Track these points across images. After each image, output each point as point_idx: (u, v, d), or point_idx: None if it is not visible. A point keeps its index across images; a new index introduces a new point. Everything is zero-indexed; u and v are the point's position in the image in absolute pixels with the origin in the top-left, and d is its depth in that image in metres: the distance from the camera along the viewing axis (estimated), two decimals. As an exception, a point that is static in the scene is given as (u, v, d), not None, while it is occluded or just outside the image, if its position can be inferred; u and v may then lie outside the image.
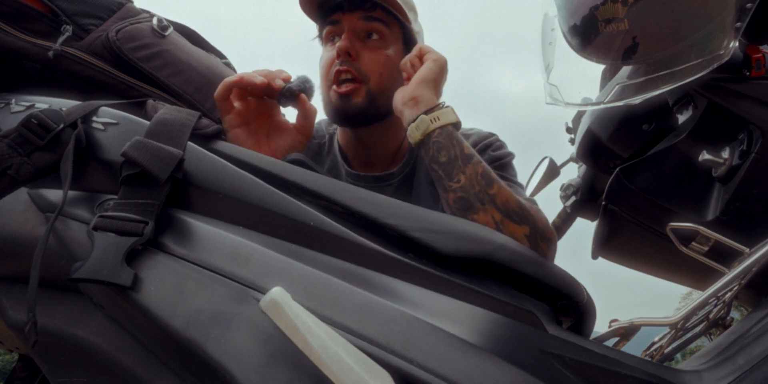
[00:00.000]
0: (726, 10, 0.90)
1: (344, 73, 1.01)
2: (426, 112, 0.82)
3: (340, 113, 1.03)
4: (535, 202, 0.85)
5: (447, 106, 0.83)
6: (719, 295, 0.80)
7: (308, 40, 1.14)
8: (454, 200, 0.77)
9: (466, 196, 0.77)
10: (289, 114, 0.91)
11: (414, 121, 0.83)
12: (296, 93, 0.84)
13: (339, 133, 1.15)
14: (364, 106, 1.02)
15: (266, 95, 0.85)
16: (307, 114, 0.88)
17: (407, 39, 1.09)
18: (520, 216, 0.76)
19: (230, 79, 0.81)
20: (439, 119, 0.81)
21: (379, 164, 1.13)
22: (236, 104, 0.84)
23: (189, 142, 0.65)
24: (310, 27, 1.11)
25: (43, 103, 0.69)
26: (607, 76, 1.17)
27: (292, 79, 0.85)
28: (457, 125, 0.83)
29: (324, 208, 0.65)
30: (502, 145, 1.07)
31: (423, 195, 1.10)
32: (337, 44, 1.01)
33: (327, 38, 1.07)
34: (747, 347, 0.64)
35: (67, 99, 0.71)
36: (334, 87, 1.02)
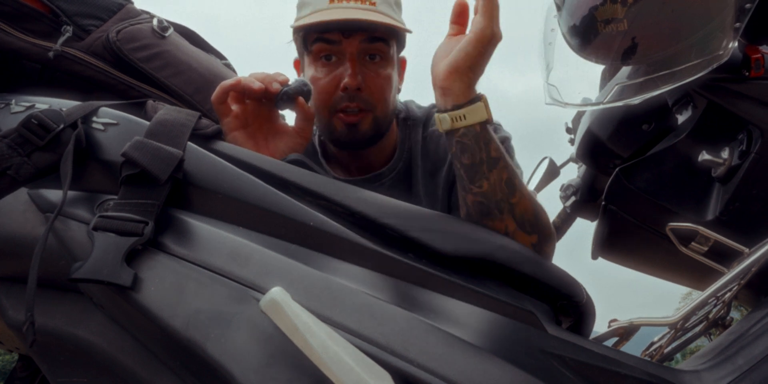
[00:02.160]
0: (725, 10, 0.90)
1: (353, 108, 0.99)
2: (453, 108, 0.73)
3: (347, 141, 1.02)
4: (535, 195, 0.84)
5: (478, 101, 0.73)
6: (719, 295, 0.80)
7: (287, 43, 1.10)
8: (473, 203, 0.74)
9: (486, 203, 0.73)
10: (288, 117, 0.91)
11: (441, 112, 0.75)
12: (293, 97, 0.83)
13: (328, 144, 1.12)
14: (371, 134, 1.02)
15: (264, 99, 0.84)
16: (305, 117, 0.87)
17: (400, 44, 1.07)
18: (533, 225, 0.74)
19: (227, 82, 0.80)
20: (464, 118, 0.72)
21: (373, 166, 1.11)
22: (234, 107, 0.83)
23: (189, 143, 0.65)
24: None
25: (43, 103, 0.69)
26: (606, 76, 1.17)
27: (289, 82, 0.84)
28: (486, 122, 0.74)
29: (324, 208, 0.65)
30: (498, 128, 1.04)
31: (423, 192, 1.09)
32: (345, 79, 0.97)
33: (318, 55, 1.01)
34: (747, 347, 0.64)
35: (67, 99, 0.71)
36: (341, 115, 0.99)
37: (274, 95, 0.82)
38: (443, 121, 0.74)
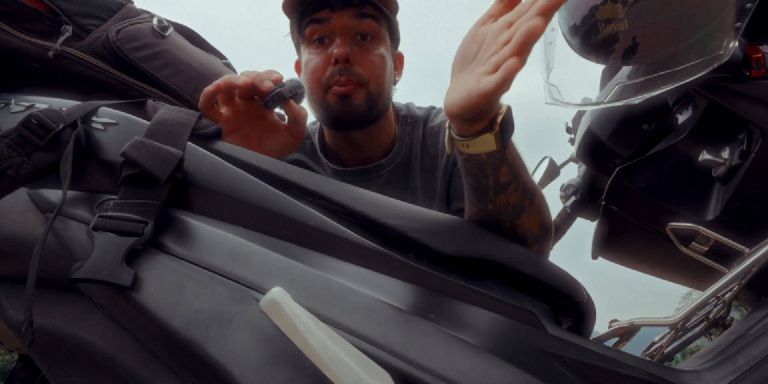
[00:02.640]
0: (726, 10, 0.90)
1: (344, 82, 0.99)
2: (458, 135, 0.64)
3: (341, 116, 1.01)
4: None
5: (486, 134, 0.61)
6: (719, 295, 0.80)
7: (282, 37, 1.11)
8: (476, 215, 0.70)
9: (488, 220, 0.69)
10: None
11: (449, 128, 0.66)
12: (285, 98, 0.80)
13: (326, 133, 1.13)
14: (365, 109, 1.01)
15: (255, 96, 0.81)
16: (297, 118, 0.85)
17: (392, 31, 1.07)
18: (537, 239, 0.71)
19: (208, 88, 0.77)
20: (468, 147, 0.63)
21: (370, 161, 1.11)
22: (223, 110, 0.80)
23: (189, 142, 0.65)
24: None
25: (42, 103, 0.69)
26: (607, 76, 1.17)
27: (284, 80, 0.81)
28: (495, 152, 0.63)
29: (324, 208, 0.65)
30: None
31: (421, 188, 1.09)
32: (334, 51, 0.98)
33: (311, 38, 1.02)
34: (747, 347, 0.64)
35: (67, 99, 0.71)
36: (333, 88, 1.00)
37: (265, 93, 0.79)
38: (448, 143, 0.66)
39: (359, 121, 1.03)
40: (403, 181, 1.10)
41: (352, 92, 1.00)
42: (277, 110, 0.86)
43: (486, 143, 0.62)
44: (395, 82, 1.12)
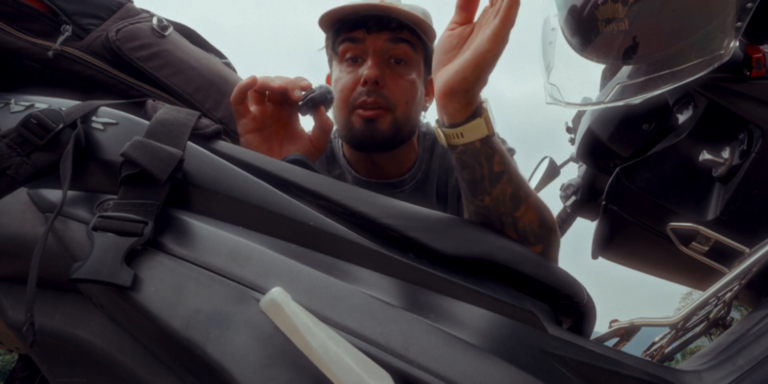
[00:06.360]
0: (726, 9, 0.90)
1: (370, 104, 0.98)
2: (450, 126, 0.67)
3: (365, 140, 1.00)
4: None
5: (478, 118, 0.66)
6: (719, 295, 0.80)
7: (311, 49, 1.12)
8: (475, 213, 0.71)
9: (488, 215, 0.70)
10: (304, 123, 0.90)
11: (440, 126, 0.70)
12: (318, 103, 0.83)
13: (346, 148, 1.13)
14: (390, 134, 1.00)
15: (286, 103, 0.83)
16: (323, 127, 0.86)
17: (427, 57, 1.06)
18: (538, 236, 0.71)
19: (244, 81, 0.79)
20: (462, 136, 0.67)
21: (387, 177, 1.12)
22: (252, 108, 0.82)
23: (189, 142, 0.65)
24: (312, 33, 1.11)
25: (42, 103, 0.69)
26: (607, 76, 1.17)
27: (313, 87, 0.83)
28: (487, 138, 0.67)
29: (324, 208, 0.65)
30: (502, 143, 1.05)
31: (436, 202, 1.10)
32: (364, 72, 0.97)
33: (344, 56, 1.01)
34: (747, 347, 0.64)
35: (67, 99, 0.71)
36: (360, 111, 0.98)
37: (295, 102, 0.82)
38: (440, 137, 0.70)
39: (382, 146, 1.02)
40: (423, 196, 1.11)
41: (377, 116, 0.98)
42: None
43: (479, 128, 0.66)
44: (425, 109, 1.12)
